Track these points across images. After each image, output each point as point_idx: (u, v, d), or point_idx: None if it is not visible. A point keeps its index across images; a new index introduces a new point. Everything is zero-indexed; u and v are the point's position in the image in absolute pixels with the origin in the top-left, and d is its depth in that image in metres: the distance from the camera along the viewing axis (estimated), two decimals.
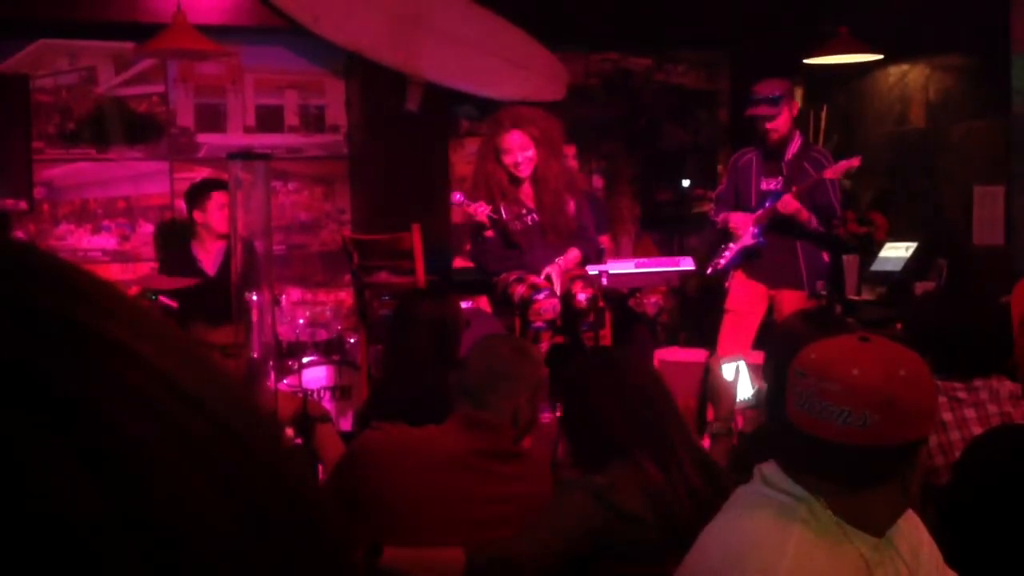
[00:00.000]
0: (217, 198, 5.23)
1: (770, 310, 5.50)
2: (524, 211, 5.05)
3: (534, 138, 4.92)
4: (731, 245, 5.53)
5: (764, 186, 5.50)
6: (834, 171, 5.36)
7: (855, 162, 5.37)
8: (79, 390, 0.32)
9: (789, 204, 5.29)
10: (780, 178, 5.46)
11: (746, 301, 5.48)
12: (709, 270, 5.65)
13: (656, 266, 5.54)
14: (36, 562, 0.30)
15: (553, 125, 5.05)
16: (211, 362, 0.38)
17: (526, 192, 5.04)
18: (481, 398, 2.44)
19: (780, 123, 5.39)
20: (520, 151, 4.91)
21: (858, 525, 1.61)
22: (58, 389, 0.32)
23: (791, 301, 5.26)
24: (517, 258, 5.07)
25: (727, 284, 5.60)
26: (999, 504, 2.05)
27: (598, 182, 7.14)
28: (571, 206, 5.09)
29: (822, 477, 1.61)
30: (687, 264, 5.48)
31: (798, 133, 5.55)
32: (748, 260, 5.49)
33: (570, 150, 6.27)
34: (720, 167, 7.03)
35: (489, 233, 5.04)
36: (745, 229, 5.45)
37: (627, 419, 2.34)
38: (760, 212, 5.42)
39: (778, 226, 5.38)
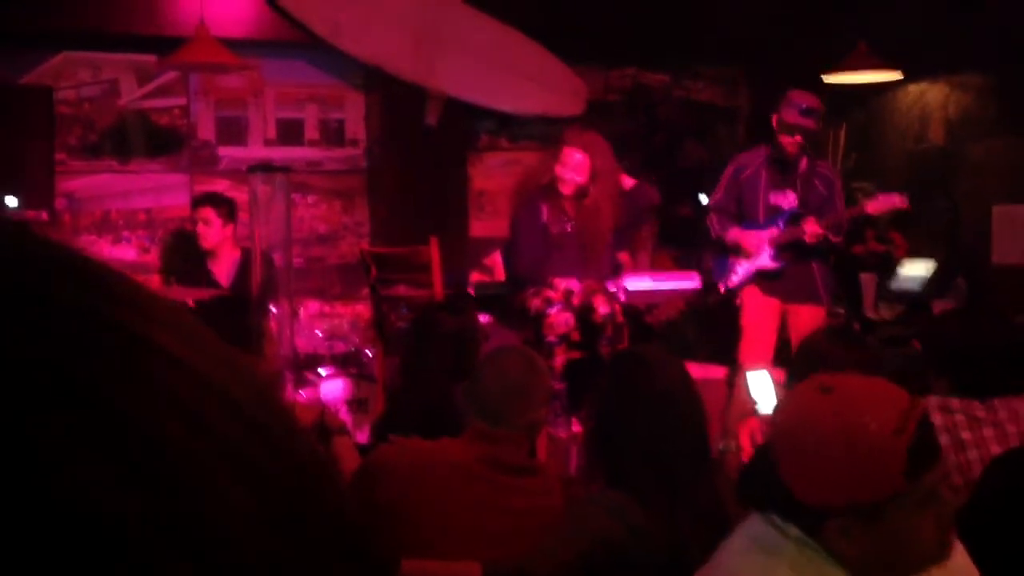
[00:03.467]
0: (201, 213, 5.21)
1: (783, 326, 5.45)
2: (564, 218, 5.09)
3: (592, 167, 4.97)
4: (741, 262, 5.46)
5: (774, 200, 5.37)
6: (877, 206, 5.27)
7: (902, 202, 5.21)
8: (123, 397, 0.33)
9: (816, 234, 5.19)
10: (791, 193, 5.35)
11: (761, 316, 5.42)
12: (722, 288, 5.59)
13: (673, 281, 5.53)
14: (75, 565, 0.30)
15: (612, 163, 5.11)
16: (247, 367, 0.39)
17: (568, 205, 5.08)
18: (494, 414, 2.44)
19: (808, 138, 5.27)
20: (573, 170, 4.96)
21: (858, 571, 1.56)
22: (103, 395, 0.33)
23: (807, 316, 5.21)
24: (546, 264, 5.07)
25: (738, 300, 5.54)
26: (1019, 525, 2.05)
27: None
28: (609, 236, 5.13)
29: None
30: (693, 281, 5.43)
31: (808, 149, 5.46)
32: (762, 278, 5.44)
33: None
34: None
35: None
36: (759, 249, 5.37)
37: (655, 424, 2.31)
38: (776, 233, 5.31)
39: (795, 245, 5.33)
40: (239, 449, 0.35)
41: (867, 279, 6.47)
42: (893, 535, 1.51)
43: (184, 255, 5.52)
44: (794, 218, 5.29)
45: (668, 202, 7.33)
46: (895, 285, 6.33)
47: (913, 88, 6.63)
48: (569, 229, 5.09)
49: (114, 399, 0.33)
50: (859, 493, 1.50)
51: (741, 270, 5.45)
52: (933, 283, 6.09)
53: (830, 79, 6.33)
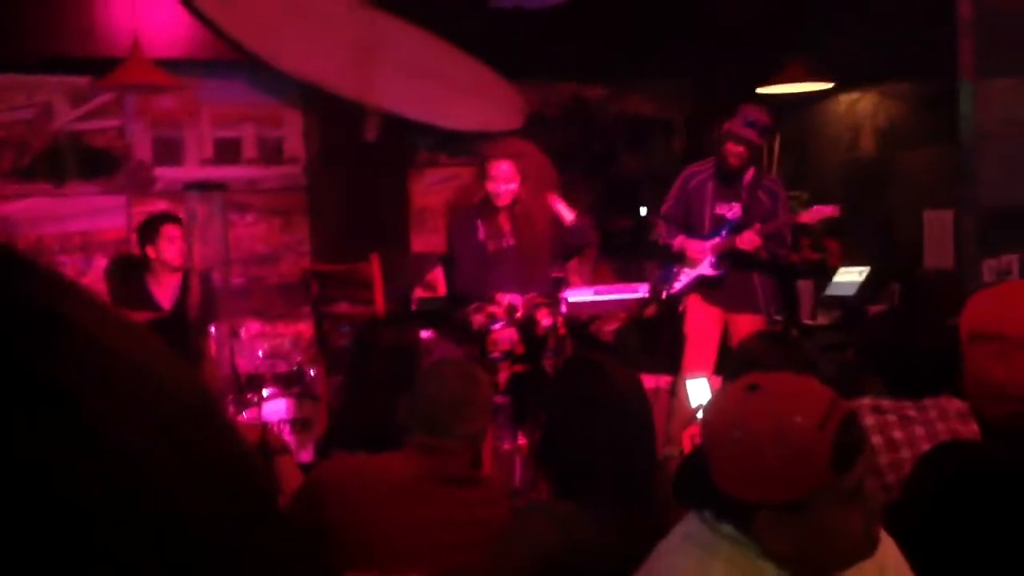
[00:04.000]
0: (167, 231, 5.20)
1: (725, 334, 5.53)
2: (501, 234, 5.10)
3: (521, 171, 4.99)
4: (685, 270, 5.55)
5: (719, 211, 5.48)
6: (810, 216, 5.42)
7: (833, 212, 5.39)
8: (65, 380, 0.36)
9: (752, 242, 5.31)
10: (736, 204, 5.46)
11: (704, 325, 5.51)
12: (663, 295, 5.67)
13: (615, 293, 5.58)
14: (28, 524, 0.33)
15: (546, 166, 5.13)
16: (165, 349, 0.42)
17: (504, 219, 5.09)
18: (437, 426, 2.45)
19: (752, 151, 5.40)
20: (504, 181, 4.97)
21: (794, 569, 1.59)
22: (46, 379, 0.36)
23: (748, 325, 5.29)
24: (486, 280, 5.09)
25: (681, 308, 5.63)
26: (946, 520, 2.09)
27: None
28: (550, 235, 5.15)
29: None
30: (645, 291, 5.51)
31: (751, 161, 5.59)
32: (704, 286, 5.53)
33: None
34: None
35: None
36: (702, 257, 5.47)
37: (608, 431, 2.31)
38: (718, 242, 5.42)
39: (734, 254, 5.42)
40: (167, 421, 0.39)
41: (804, 286, 6.57)
42: (821, 529, 1.55)
43: (126, 280, 5.47)
44: (737, 228, 5.40)
45: (606, 214, 7.41)
46: (831, 292, 6.44)
47: (844, 98, 6.77)
48: (506, 244, 5.11)
49: (59, 384, 0.36)
50: (787, 487, 1.54)
51: (684, 277, 5.54)
52: (868, 289, 6.21)
53: (764, 90, 6.44)
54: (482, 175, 5.07)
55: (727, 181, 5.47)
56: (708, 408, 1.71)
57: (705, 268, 5.47)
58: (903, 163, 6.37)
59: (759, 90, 6.44)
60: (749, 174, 5.46)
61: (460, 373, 2.53)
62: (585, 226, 5.28)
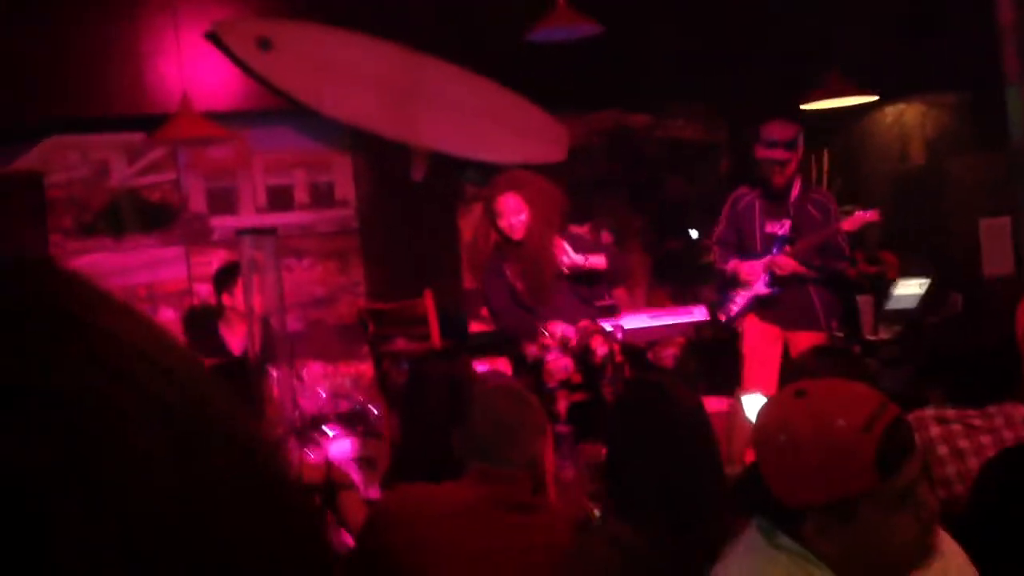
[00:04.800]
0: (238, 283, 5.29)
1: (786, 353, 5.48)
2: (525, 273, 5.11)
3: (528, 200, 4.98)
4: (741, 292, 5.52)
5: (769, 229, 5.46)
6: (852, 223, 5.38)
7: (874, 216, 5.36)
8: (60, 375, 0.37)
9: (785, 263, 5.31)
10: (786, 221, 5.43)
11: (762, 344, 5.46)
12: (722, 318, 5.64)
13: (671, 317, 5.56)
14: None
15: (552, 193, 5.11)
16: (176, 341, 0.43)
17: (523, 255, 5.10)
18: (494, 453, 2.46)
19: (791, 167, 5.39)
20: (513, 214, 4.97)
21: (843, 572, 1.59)
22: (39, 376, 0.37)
23: (808, 342, 5.22)
24: (530, 316, 5.10)
25: (740, 329, 5.60)
26: (1013, 526, 2.06)
27: (607, 238, 7.20)
28: (551, 275, 5.11)
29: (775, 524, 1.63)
30: (700, 314, 5.48)
31: (799, 176, 5.57)
32: (761, 305, 5.50)
33: (584, 228, 6.27)
34: None
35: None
36: (756, 277, 5.44)
37: (671, 452, 2.30)
38: (769, 260, 5.42)
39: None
40: (173, 410, 0.39)
41: (864, 301, 6.50)
42: (870, 534, 1.54)
43: (202, 329, 5.57)
44: (788, 243, 5.37)
45: (658, 238, 7.40)
46: (891, 306, 6.36)
47: (890, 109, 6.72)
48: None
49: (54, 384, 0.37)
50: (832, 490, 1.54)
51: (740, 299, 5.51)
52: (928, 300, 6.12)
53: (807, 106, 6.41)
54: (491, 215, 5.05)
55: (774, 199, 5.45)
56: (759, 415, 1.71)
57: (759, 287, 5.44)
58: (954, 172, 6.30)
59: (803, 106, 6.42)
60: (795, 190, 5.45)
61: (510, 397, 2.54)
62: (605, 264, 5.15)
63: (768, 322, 5.46)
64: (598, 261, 5.10)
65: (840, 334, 6.00)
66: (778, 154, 5.33)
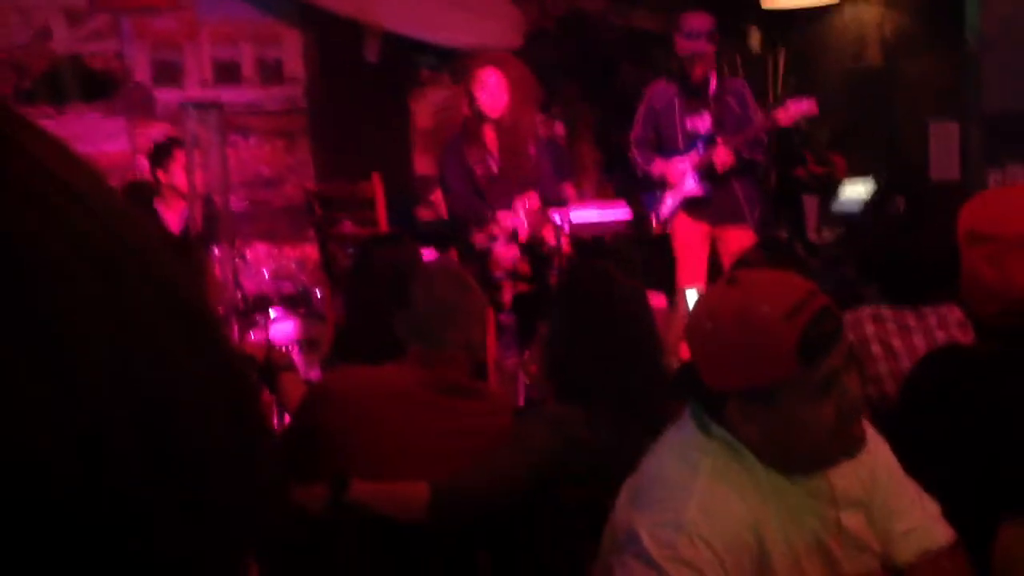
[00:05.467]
0: (180, 156, 5.20)
1: (713, 249, 5.51)
2: (487, 156, 5.06)
3: (510, 80, 4.93)
4: (669, 192, 5.47)
5: (690, 126, 5.40)
6: (787, 116, 5.31)
7: (810, 108, 5.21)
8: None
9: (726, 158, 5.23)
10: (706, 114, 5.38)
11: (694, 241, 5.46)
12: (654, 221, 5.61)
13: (619, 210, 5.56)
14: None
15: (529, 78, 5.07)
16: (103, 178, 0.41)
17: (490, 136, 5.04)
18: (432, 336, 2.47)
19: (710, 59, 5.32)
20: (494, 90, 4.91)
21: (774, 463, 1.63)
22: None
23: (736, 237, 5.26)
24: (482, 204, 5.08)
25: (669, 229, 5.59)
26: (941, 422, 2.12)
27: (559, 128, 7.14)
28: (532, 153, 5.11)
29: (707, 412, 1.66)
30: (624, 213, 5.46)
31: (713, 68, 5.43)
32: (689, 204, 5.47)
33: (539, 117, 6.21)
34: None
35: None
36: (683, 177, 5.40)
37: (613, 336, 2.34)
38: (696, 158, 5.34)
39: (712, 170, 5.32)
40: (89, 238, 0.37)
41: (810, 203, 6.54)
42: (790, 419, 1.58)
43: (138, 205, 5.46)
44: (711, 140, 5.33)
45: (609, 129, 7.35)
46: (837, 207, 6.40)
47: (849, 8, 6.67)
48: (495, 170, 5.06)
49: None
50: (753, 375, 1.57)
51: (670, 200, 5.48)
52: (872, 202, 6.17)
53: (768, 4, 6.35)
54: (468, 90, 4.99)
55: (692, 93, 5.39)
56: (694, 305, 1.73)
57: (689, 187, 5.41)
58: (908, 73, 6.30)
59: (764, 5, 6.35)
60: (713, 83, 5.39)
61: (451, 281, 2.54)
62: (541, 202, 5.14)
63: (697, 219, 5.45)
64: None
65: (783, 233, 6.05)
66: (700, 45, 5.27)
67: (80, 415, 0.35)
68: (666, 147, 5.45)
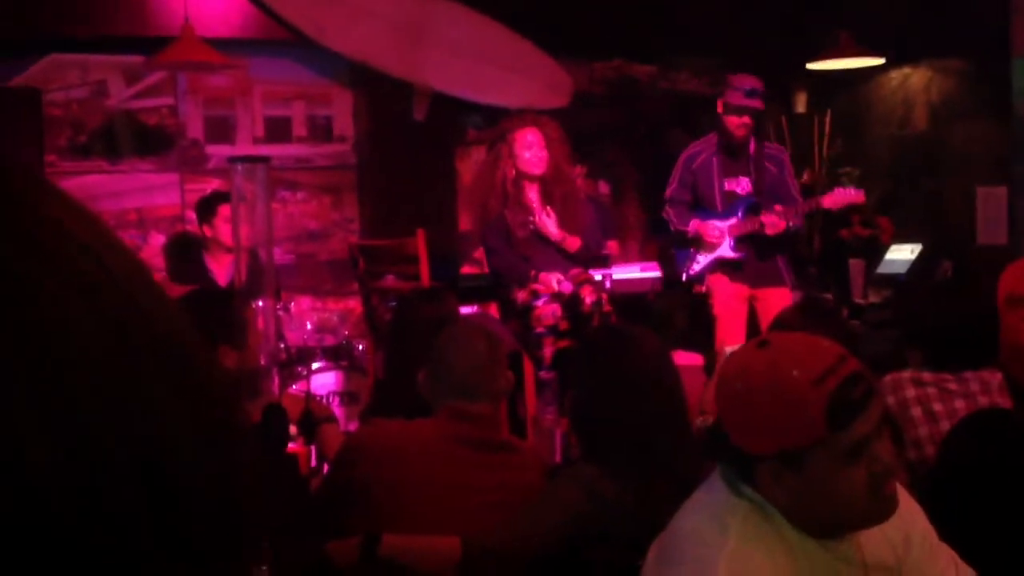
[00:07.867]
0: (224, 211, 5.27)
1: (752, 310, 5.50)
2: (529, 217, 5.09)
3: (548, 138, 4.97)
4: (703, 252, 5.46)
5: (729, 187, 5.41)
6: (833, 201, 5.35)
7: (857, 197, 5.31)
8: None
9: (778, 225, 5.23)
10: (743, 178, 5.40)
11: (733, 302, 5.44)
12: (683, 277, 5.61)
13: (661, 271, 5.56)
14: None
15: (564, 138, 5.11)
16: (111, 233, 0.43)
17: (533, 195, 5.06)
18: (466, 390, 2.48)
19: (754, 121, 5.33)
20: (536, 148, 4.95)
21: (804, 526, 1.62)
22: None
23: (775, 299, 5.25)
24: (525, 266, 5.10)
25: (704, 289, 5.55)
26: (979, 489, 2.09)
27: (604, 188, 7.19)
28: (582, 197, 5.16)
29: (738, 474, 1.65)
30: (653, 271, 5.46)
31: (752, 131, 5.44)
32: (726, 266, 5.45)
33: (579, 170, 6.25)
34: None
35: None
36: (720, 240, 5.39)
37: (632, 396, 2.34)
38: (736, 223, 5.34)
39: (756, 237, 5.33)
40: (92, 284, 0.40)
41: (855, 265, 6.51)
42: (819, 484, 1.56)
43: (184, 257, 5.57)
44: (752, 207, 5.34)
45: (654, 192, 7.37)
46: (882, 270, 6.37)
47: (895, 73, 6.68)
48: (532, 228, 5.05)
49: None
50: (782, 440, 1.56)
51: (703, 259, 5.48)
52: (919, 266, 6.13)
53: (814, 66, 6.38)
54: (511, 151, 5.01)
55: (732, 155, 5.40)
56: (723, 365, 1.73)
57: (725, 251, 5.41)
58: (955, 139, 6.28)
59: (809, 65, 6.38)
60: (752, 145, 5.40)
61: (481, 335, 2.56)
62: (584, 246, 5.08)
63: (736, 281, 5.46)
64: (573, 243, 5.07)
65: (828, 295, 6.02)
66: (757, 103, 5.28)
67: (79, 467, 0.37)
68: (704, 207, 5.46)
